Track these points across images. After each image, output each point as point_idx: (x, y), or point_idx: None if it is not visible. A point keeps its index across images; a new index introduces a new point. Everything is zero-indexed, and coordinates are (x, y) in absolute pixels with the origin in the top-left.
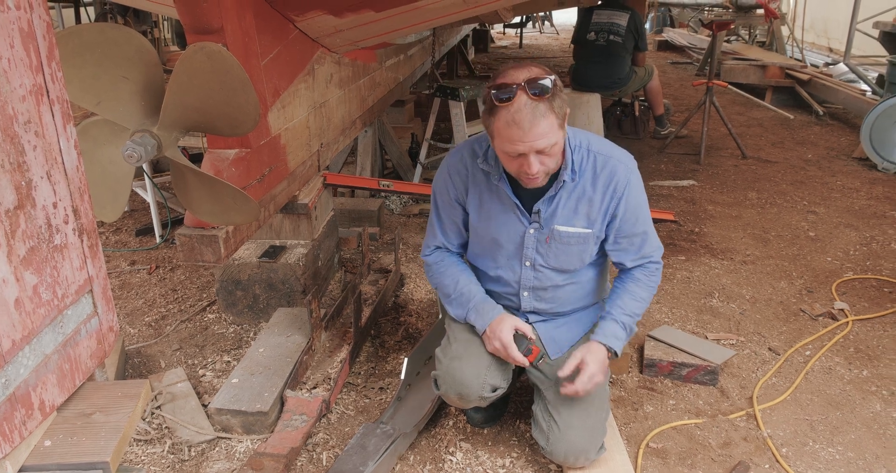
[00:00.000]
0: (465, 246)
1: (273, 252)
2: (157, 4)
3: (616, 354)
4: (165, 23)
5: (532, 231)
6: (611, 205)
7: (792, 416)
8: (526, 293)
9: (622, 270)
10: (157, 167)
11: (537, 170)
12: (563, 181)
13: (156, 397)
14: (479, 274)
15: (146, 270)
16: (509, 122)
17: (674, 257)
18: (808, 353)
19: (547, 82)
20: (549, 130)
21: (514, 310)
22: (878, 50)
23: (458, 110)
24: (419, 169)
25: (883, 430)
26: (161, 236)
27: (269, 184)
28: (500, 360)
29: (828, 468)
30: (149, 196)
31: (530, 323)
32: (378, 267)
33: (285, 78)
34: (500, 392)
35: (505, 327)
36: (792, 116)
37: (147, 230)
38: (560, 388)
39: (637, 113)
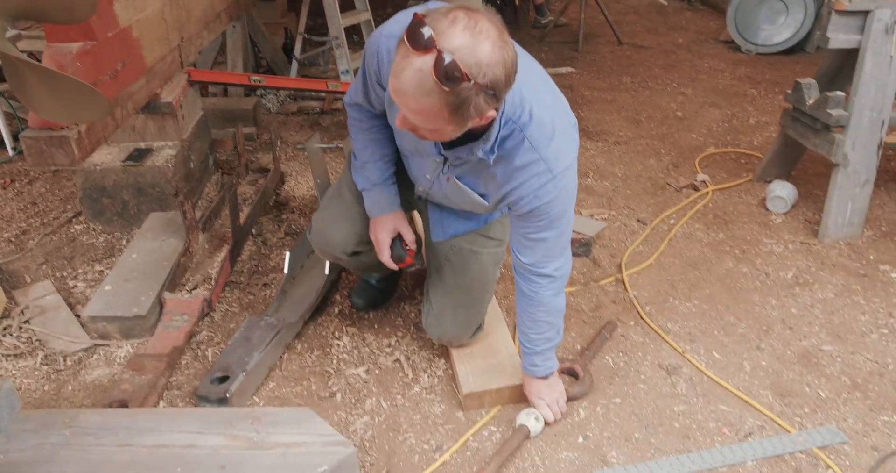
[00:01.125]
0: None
1: (138, 155)
2: None
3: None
4: None
5: (438, 160)
6: (508, 197)
7: (656, 278)
8: (423, 195)
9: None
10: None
11: (402, 127)
12: (479, 157)
13: (22, 311)
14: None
15: (0, 184)
16: (396, 69)
17: None
18: (672, 222)
19: (460, 80)
20: (429, 120)
21: (410, 183)
22: None
23: (331, 1)
24: (295, 65)
25: (733, 283)
26: (14, 149)
27: (124, 80)
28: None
29: (685, 319)
30: None
31: (424, 201)
32: (257, 167)
33: None
34: (365, 250)
35: (387, 227)
36: (666, 3)
37: None
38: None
39: (517, 3)
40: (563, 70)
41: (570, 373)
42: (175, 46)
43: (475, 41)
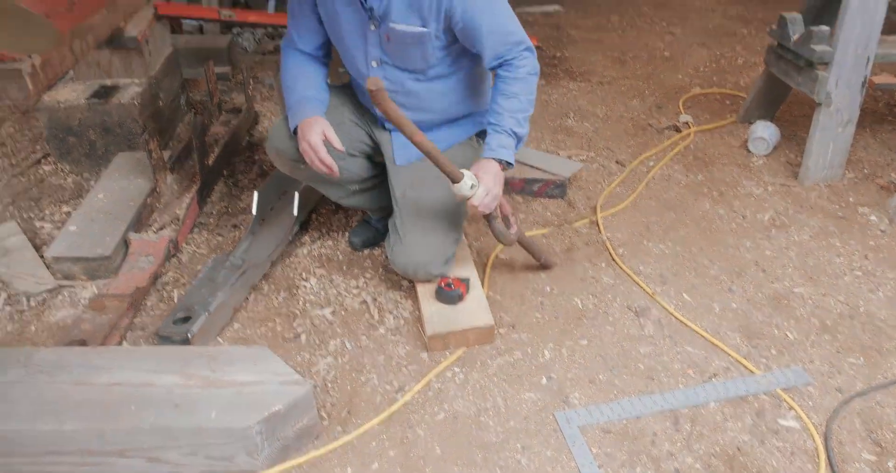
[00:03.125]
0: (322, 49)
1: (104, 92)
2: None
3: (509, 163)
4: None
5: (373, 28)
6: (442, 4)
7: (631, 220)
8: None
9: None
10: None
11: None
12: None
13: None
14: (351, 78)
15: None
16: None
17: None
18: (651, 163)
19: None
20: None
21: (377, 120)
22: None
23: None
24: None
25: (709, 225)
26: None
27: (82, 12)
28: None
29: (657, 261)
30: None
31: (387, 130)
32: (230, 107)
33: None
34: None
35: (315, 129)
36: None
37: None
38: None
39: None
40: (550, 9)
41: (505, 219)
42: None
43: None
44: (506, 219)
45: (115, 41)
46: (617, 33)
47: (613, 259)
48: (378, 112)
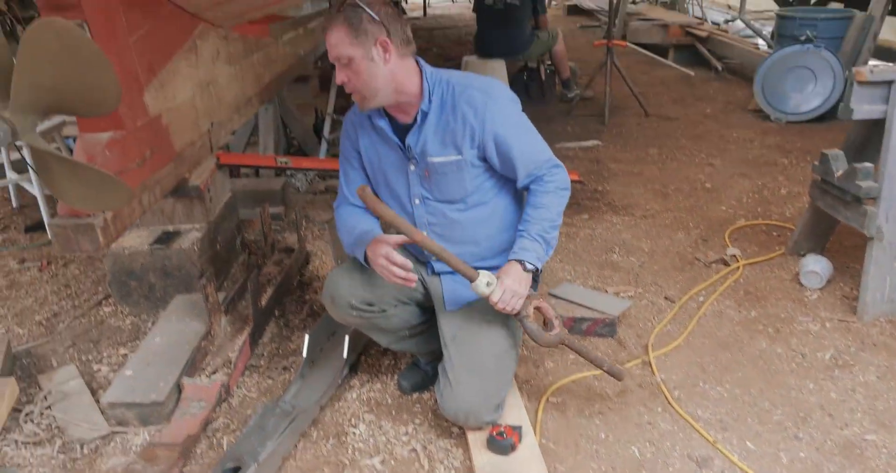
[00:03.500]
0: None
1: (166, 238)
2: None
3: (536, 268)
4: None
5: (413, 168)
6: (471, 130)
7: (685, 360)
8: (425, 232)
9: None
10: None
11: (341, 80)
12: (423, 112)
13: (45, 397)
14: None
15: (37, 267)
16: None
17: (577, 216)
18: (701, 299)
19: (350, 3)
20: (338, 41)
21: (422, 261)
22: (773, 5)
23: None
24: (324, 144)
25: (767, 366)
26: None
27: (153, 167)
28: (380, 281)
29: (716, 405)
30: (36, 190)
31: (437, 274)
32: (283, 247)
33: (162, 55)
34: (375, 310)
35: (381, 249)
36: (693, 73)
37: (37, 226)
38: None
39: (543, 78)
40: (590, 144)
41: (548, 323)
42: (205, 131)
43: None
44: (549, 322)
45: (179, 190)
46: (657, 166)
47: (670, 403)
48: (429, 258)
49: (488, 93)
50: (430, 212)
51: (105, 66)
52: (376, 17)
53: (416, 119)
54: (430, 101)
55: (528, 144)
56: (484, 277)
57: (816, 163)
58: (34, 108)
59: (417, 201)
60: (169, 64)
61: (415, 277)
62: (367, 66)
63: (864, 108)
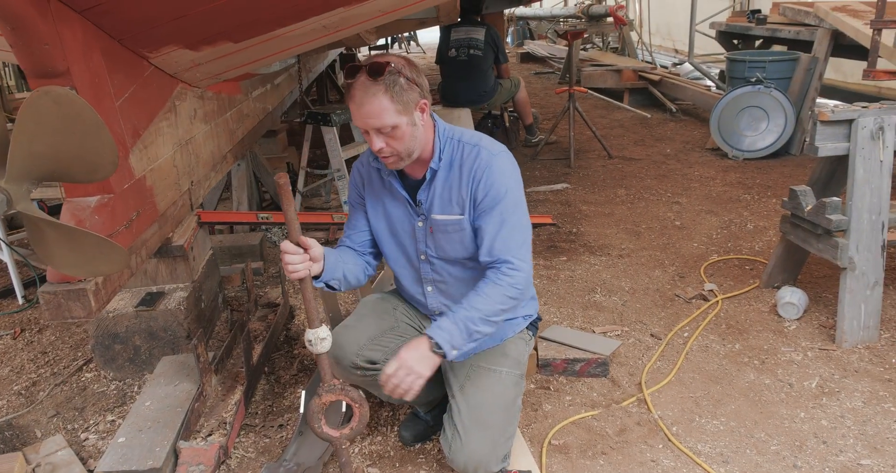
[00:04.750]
0: (367, 246)
1: (150, 299)
2: None
3: (443, 351)
4: (7, 69)
5: (420, 224)
6: (472, 188)
7: (678, 395)
8: (430, 288)
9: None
10: (11, 225)
11: (379, 147)
12: (433, 170)
13: (34, 470)
14: (395, 276)
15: (10, 335)
16: (349, 98)
17: (556, 259)
18: (686, 334)
19: (384, 67)
20: (381, 112)
21: (427, 313)
22: (717, 48)
23: (331, 135)
24: (299, 198)
25: (758, 397)
26: (24, 298)
27: (139, 229)
28: (384, 337)
29: (714, 439)
30: (5, 256)
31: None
32: (266, 302)
33: (145, 117)
34: (379, 367)
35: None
36: (649, 115)
37: (7, 293)
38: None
39: (507, 124)
40: (559, 186)
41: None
42: (185, 190)
43: (383, 56)
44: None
45: (163, 250)
46: (626, 206)
47: (670, 439)
48: (432, 312)
49: (492, 151)
50: (435, 269)
51: (103, 131)
52: (412, 77)
53: (426, 176)
54: (440, 158)
55: (515, 225)
56: (321, 332)
57: (785, 199)
58: (30, 176)
59: (423, 258)
60: (151, 125)
61: (303, 265)
62: (410, 131)
63: (827, 145)
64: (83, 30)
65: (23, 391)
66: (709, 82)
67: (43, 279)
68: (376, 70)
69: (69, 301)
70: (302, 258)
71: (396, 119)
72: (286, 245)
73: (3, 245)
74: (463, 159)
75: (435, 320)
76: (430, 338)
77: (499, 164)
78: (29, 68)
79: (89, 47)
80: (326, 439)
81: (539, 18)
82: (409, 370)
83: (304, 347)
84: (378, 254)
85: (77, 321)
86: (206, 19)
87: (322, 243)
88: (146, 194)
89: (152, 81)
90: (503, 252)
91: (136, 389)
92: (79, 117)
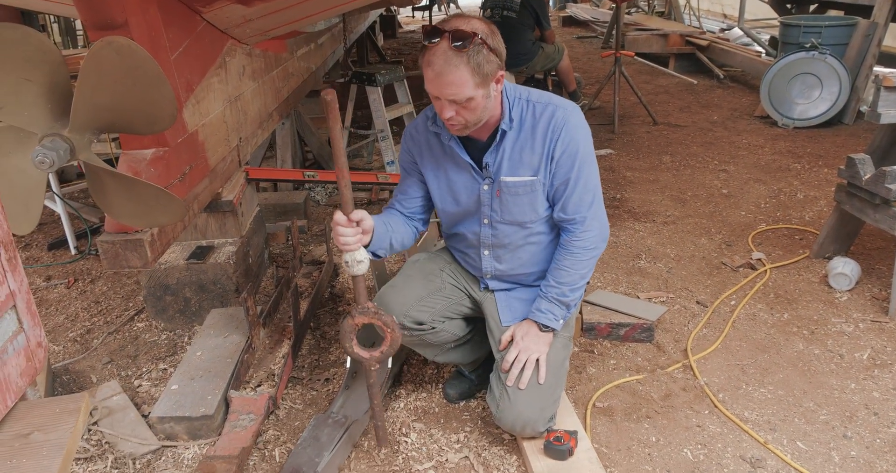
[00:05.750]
0: (417, 212)
1: (201, 253)
2: (49, 3)
3: (550, 327)
4: (55, 25)
5: (486, 187)
6: (549, 147)
7: (724, 363)
8: (486, 252)
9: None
10: (63, 178)
11: (449, 116)
12: (503, 131)
13: (91, 413)
14: (447, 236)
15: (64, 284)
16: (426, 63)
17: None
18: (732, 302)
19: (470, 37)
20: (460, 83)
21: (477, 274)
22: (769, 13)
23: (375, 95)
24: None
25: (807, 367)
26: (77, 248)
27: (191, 182)
28: (431, 298)
29: (762, 407)
30: (58, 207)
31: (490, 291)
32: (310, 259)
33: (197, 72)
34: (426, 328)
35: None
36: (695, 81)
37: (60, 243)
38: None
39: (549, 88)
40: (603, 152)
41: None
42: (234, 147)
43: (465, 20)
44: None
45: (212, 205)
46: (672, 173)
47: (716, 406)
48: (483, 275)
49: (567, 109)
50: (496, 234)
51: (163, 83)
52: (494, 46)
53: (493, 137)
54: (510, 119)
55: (578, 186)
56: (360, 254)
57: (842, 167)
58: (92, 126)
59: (486, 221)
60: (203, 80)
61: (353, 237)
62: (484, 103)
63: (891, 112)
64: None
65: (78, 339)
66: (759, 48)
67: (95, 231)
68: (460, 39)
69: (126, 251)
70: (354, 232)
71: (473, 92)
72: (339, 217)
73: (56, 197)
74: (536, 119)
75: (484, 281)
76: (535, 321)
77: (574, 121)
78: (89, 20)
79: (146, 0)
80: (357, 358)
81: None
82: (529, 351)
83: (349, 304)
84: (427, 220)
85: (133, 270)
86: None
87: (365, 204)
88: (198, 148)
89: (205, 36)
90: (577, 210)
91: (186, 339)
92: (140, 69)
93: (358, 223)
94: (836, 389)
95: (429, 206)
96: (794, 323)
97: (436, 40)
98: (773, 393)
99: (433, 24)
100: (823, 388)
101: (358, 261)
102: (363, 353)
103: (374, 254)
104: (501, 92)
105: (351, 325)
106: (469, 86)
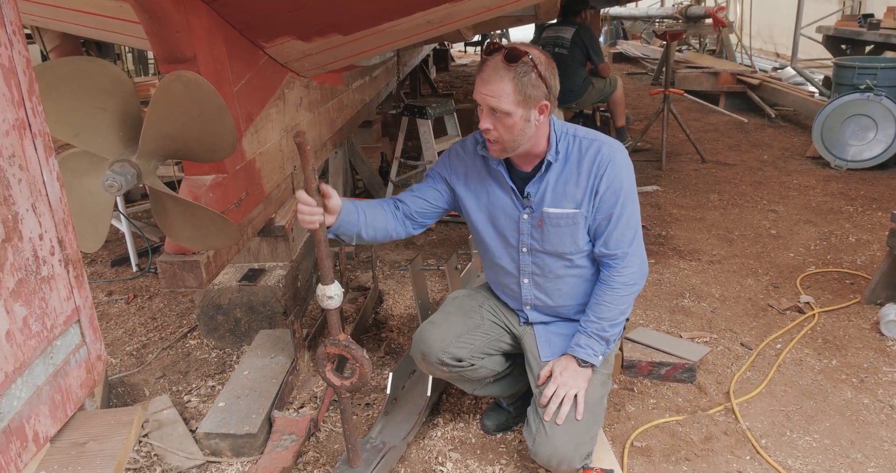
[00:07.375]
0: (418, 213)
1: (252, 275)
2: (122, 36)
3: (589, 362)
4: (129, 55)
5: (526, 216)
6: (594, 182)
7: (768, 408)
8: (526, 280)
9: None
10: (129, 198)
11: (486, 127)
12: (549, 162)
13: (143, 425)
14: (487, 265)
15: (124, 300)
16: (479, 71)
17: None
18: (778, 346)
19: (521, 56)
20: (500, 93)
21: (517, 306)
22: (822, 53)
23: (426, 128)
24: (390, 187)
25: (855, 416)
26: (138, 266)
27: (247, 208)
28: (470, 335)
29: (806, 455)
30: (123, 226)
31: (530, 323)
32: (356, 285)
33: (257, 103)
34: (465, 365)
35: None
36: (746, 120)
37: (122, 260)
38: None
39: (598, 124)
40: (650, 189)
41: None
42: (289, 174)
43: (528, 46)
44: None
45: (265, 230)
46: (719, 212)
47: (758, 452)
48: (522, 307)
49: (613, 146)
50: (536, 263)
51: (226, 115)
52: (545, 75)
53: (538, 168)
54: (556, 151)
55: (629, 222)
56: (335, 288)
57: (894, 212)
58: (158, 154)
59: (525, 250)
60: (262, 111)
61: (316, 216)
62: (521, 125)
63: None
64: (209, 20)
65: (134, 353)
66: (812, 88)
67: (155, 250)
68: (513, 56)
69: (183, 272)
70: (314, 210)
71: (512, 108)
72: (301, 194)
73: (122, 217)
74: (582, 154)
75: (524, 313)
76: (574, 357)
77: (619, 158)
78: (161, 54)
79: (214, 36)
80: (329, 384)
81: (634, 18)
82: (567, 386)
83: (392, 331)
84: (424, 225)
85: (188, 289)
86: (320, 12)
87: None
88: (255, 175)
89: (266, 69)
90: (617, 246)
91: (234, 358)
92: (205, 101)
93: (327, 198)
94: (886, 441)
95: (433, 213)
96: (842, 370)
97: (493, 55)
98: (818, 442)
99: (500, 43)
100: (872, 439)
101: (328, 296)
102: (335, 380)
103: (337, 237)
104: (549, 125)
105: (323, 354)
106: (508, 99)
